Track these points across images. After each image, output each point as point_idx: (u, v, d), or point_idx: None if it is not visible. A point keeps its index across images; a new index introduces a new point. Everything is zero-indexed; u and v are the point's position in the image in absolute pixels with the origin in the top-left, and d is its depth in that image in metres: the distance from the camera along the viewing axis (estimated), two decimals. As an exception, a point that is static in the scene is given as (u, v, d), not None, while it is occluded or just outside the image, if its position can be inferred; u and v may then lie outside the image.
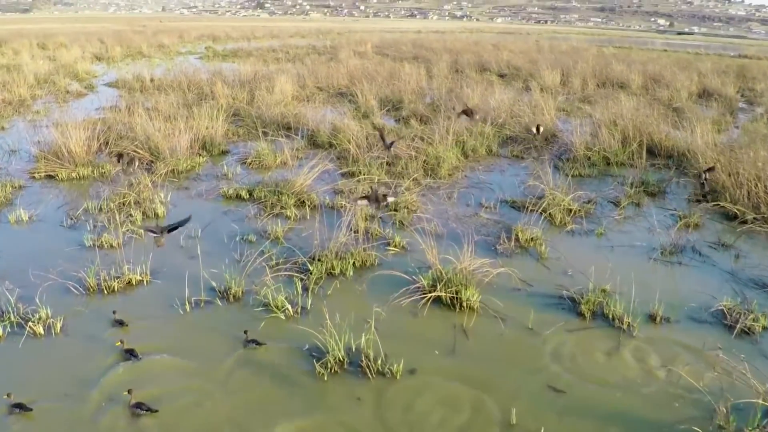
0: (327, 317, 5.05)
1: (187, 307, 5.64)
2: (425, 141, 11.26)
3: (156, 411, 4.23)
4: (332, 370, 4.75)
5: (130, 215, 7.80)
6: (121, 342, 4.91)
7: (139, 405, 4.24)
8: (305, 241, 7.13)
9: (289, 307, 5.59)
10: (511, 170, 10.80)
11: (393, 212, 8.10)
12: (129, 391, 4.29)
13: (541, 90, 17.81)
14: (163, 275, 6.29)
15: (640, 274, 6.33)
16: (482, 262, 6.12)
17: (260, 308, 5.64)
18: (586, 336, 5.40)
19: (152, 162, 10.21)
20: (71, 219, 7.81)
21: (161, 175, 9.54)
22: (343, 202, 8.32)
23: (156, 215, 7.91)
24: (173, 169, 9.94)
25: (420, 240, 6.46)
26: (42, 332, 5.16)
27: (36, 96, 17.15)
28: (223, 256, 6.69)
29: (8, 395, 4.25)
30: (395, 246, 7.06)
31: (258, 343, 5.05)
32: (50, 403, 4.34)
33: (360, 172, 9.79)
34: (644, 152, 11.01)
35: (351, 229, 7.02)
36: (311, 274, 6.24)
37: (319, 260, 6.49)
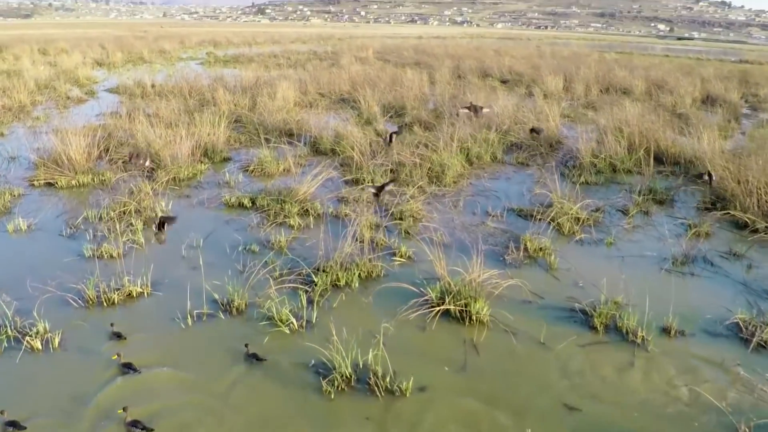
0: (333, 332, 4.91)
1: (189, 320, 5.49)
2: (429, 148, 11.13)
3: (152, 430, 4.09)
4: (339, 388, 4.60)
5: (131, 224, 7.65)
6: (118, 355, 4.78)
7: (134, 423, 4.11)
8: (309, 251, 6.98)
9: (294, 320, 5.44)
10: (516, 178, 10.66)
11: (398, 221, 7.96)
12: (124, 409, 4.16)
13: (545, 96, 17.72)
14: (165, 287, 6.14)
15: (652, 286, 6.19)
16: (491, 274, 5.96)
17: (264, 322, 5.49)
18: (599, 350, 5.25)
19: (153, 169, 10.08)
20: (70, 228, 7.66)
21: (162, 183, 9.40)
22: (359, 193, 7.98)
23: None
24: (174, 177, 9.81)
25: (427, 250, 6.31)
26: (40, 347, 5.02)
27: (36, 102, 17.05)
28: (226, 267, 6.53)
29: (2, 413, 4.16)
30: (401, 256, 6.91)
31: (258, 359, 4.90)
32: (45, 420, 4.21)
33: (364, 180, 9.66)
34: (651, 159, 10.86)
35: (356, 239, 6.88)
36: (316, 285, 6.09)
37: (324, 271, 6.33)
